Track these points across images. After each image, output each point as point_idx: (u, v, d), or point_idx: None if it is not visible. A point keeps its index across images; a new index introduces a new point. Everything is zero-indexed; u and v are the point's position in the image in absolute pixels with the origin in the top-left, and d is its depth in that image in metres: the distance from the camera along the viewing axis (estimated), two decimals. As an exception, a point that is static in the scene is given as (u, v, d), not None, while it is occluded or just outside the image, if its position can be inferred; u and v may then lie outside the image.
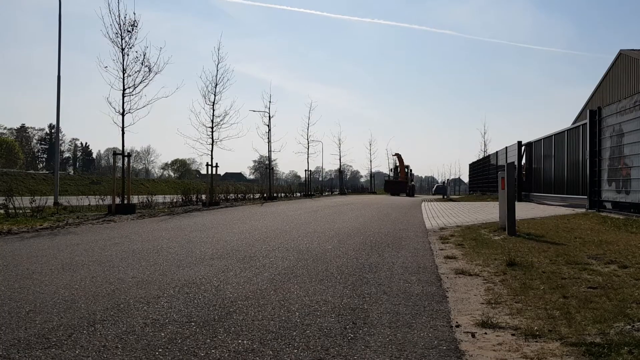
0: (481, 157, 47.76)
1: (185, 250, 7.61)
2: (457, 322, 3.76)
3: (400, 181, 53.56)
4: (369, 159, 67.28)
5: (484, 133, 55.05)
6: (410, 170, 55.98)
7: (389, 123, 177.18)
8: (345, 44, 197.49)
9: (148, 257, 6.98)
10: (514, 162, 10.95)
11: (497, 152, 33.68)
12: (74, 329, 3.58)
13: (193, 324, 3.72)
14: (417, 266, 6.24)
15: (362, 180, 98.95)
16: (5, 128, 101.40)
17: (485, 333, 3.50)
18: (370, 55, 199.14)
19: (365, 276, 5.57)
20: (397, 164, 55.31)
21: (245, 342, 3.31)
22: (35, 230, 11.10)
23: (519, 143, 26.04)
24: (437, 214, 16.47)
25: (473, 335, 3.43)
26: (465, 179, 65.31)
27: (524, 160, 25.71)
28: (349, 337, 3.40)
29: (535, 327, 3.51)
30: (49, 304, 4.31)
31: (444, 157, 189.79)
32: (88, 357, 3.03)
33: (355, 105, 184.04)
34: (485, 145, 52.94)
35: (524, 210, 16.01)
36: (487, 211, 16.62)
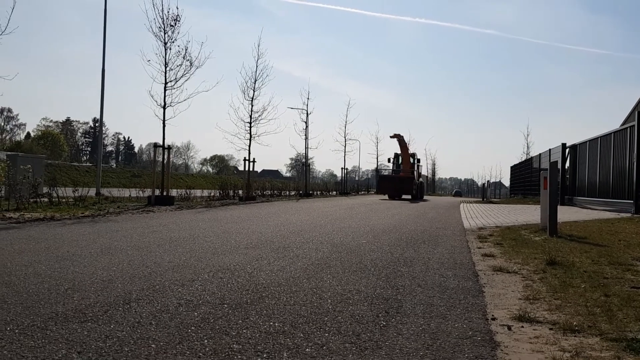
0: (523, 159, 46.75)
1: (221, 240, 7.68)
2: (493, 316, 3.66)
3: (402, 177, 32.51)
4: None
5: (527, 135, 53.79)
6: (418, 161, 36.19)
7: (427, 123, 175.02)
8: (384, 42, 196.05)
9: (184, 244, 7.07)
10: (557, 162, 10.65)
11: (540, 154, 32.90)
12: (109, 306, 3.65)
13: (226, 305, 3.74)
14: (454, 262, 6.13)
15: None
16: (51, 121, 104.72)
17: (522, 326, 3.40)
18: (410, 53, 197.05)
19: (399, 269, 5.51)
20: (400, 152, 34.66)
21: (276, 324, 3.30)
22: (77, 217, 11.39)
23: (563, 145, 25.36)
24: (476, 214, 16.19)
25: (509, 328, 3.34)
26: (506, 182, 64.02)
27: (567, 163, 25.04)
28: (381, 325, 3.36)
29: (575, 323, 3.38)
30: (86, 283, 4.40)
31: (485, 159, 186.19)
32: (122, 331, 3.07)
33: (394, 104, 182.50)
34: (527, 147, 51.65)
35: (567, 214, 15.58)
36: (528, 213, 16.24)
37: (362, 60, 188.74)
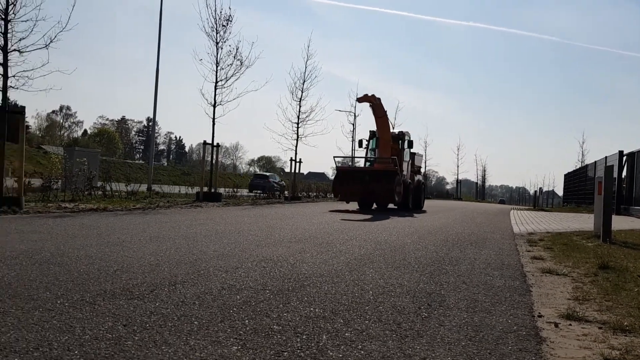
0: (578, 167, 45.27)
1: (265, 234, 7.75)
2: (539, 313, 3.56)
3: (375, 171, 18.24)
4: (455, 163, 61.77)
5: (582, 142, 52.00)
6: (410, 145, 20.37)
7: (478, 129, 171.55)
8: (434, 46, 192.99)
9: (230, 236, 7.18)
10: (612, 166, 10.27)
11: (595, 162, 31.78)
12: (155, 287, 3.74)
13: (267, 291, 3.77)
14: (501, 263, 5.98)
15: (448, 187, 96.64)
16: (107, 119, 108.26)
17: (570, 324, 3.28)
18: (461, 58, 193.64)
19: (444, 267, 5.42)
20: (376, 129, 19.42)
21: (317, 310, 3.30)
22: (128, 209, 11.74)
23: (620, 153, 24.41)
24: (526, 220, 15.78)
25: (556, 325, 3.23)
26: (559, 191, 62.06)
27: (624, 172, 24.09)
28: (423, 316, 3.31)
29: (626, 323, 3.24)
30: (134, 266, 4.52)
31: (537, 167, 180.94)
32: (167, 309, 3.14)
33: (444, 109, 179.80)
34: (582, 155, 49.99)
35: (622, 223, 14.98)
36: (581, 221, 15.72)
37: (411, 64, 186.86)
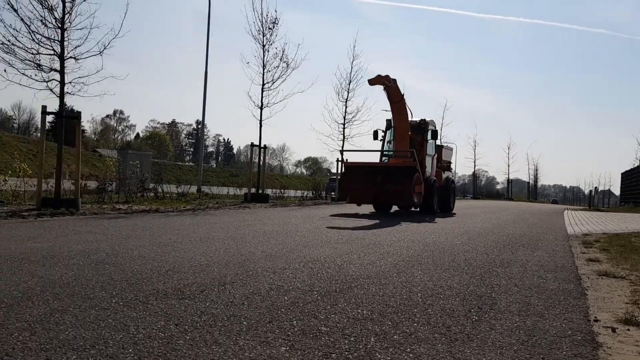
0: (636, 165, 43.44)
1: (312, 234, 7.78)
2: (595, 317, 3.43)
3: (392, 167, 15.53)
4: (506, 163, 59.97)
5: (640, 140, 49.91)
6: (434, 136, 16.99)
7: (530, 127, 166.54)
8: (483, 43, 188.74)
9: (277, 237, 7.24)
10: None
11: (654, 160, 30.43)
12: (205, 287, 3.81)
13: (315, 292, 3.78)
14: (555, 265, 5.81)
15: (498, 187, 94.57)
16: (158, 122, 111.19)
17: (628, 329, 3.15)
18: (511, 55, 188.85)
19: (495, 270, 5.30)
20: (391, 116, 16.30)
21: (364, 312, 3.29)
22: (179, 210, 12.02)
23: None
24: (581, 221, 15.28)
25: (613, 330, 3.11)
26: (616, 190, 59.73)
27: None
28: (473, 319, 3.24)
29: (692, 330, 3.09)
30: (185, 266, 4.62)
31: (592, 166, 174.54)
32: (217, 309, 3.20)
33: (493, 107, 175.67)
34: (641, 153, 48.01)
35: (684, 223, 14.30)
36: None
37: (459, 62, 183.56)
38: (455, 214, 16.27)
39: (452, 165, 21.11)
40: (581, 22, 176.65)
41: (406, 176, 14.45)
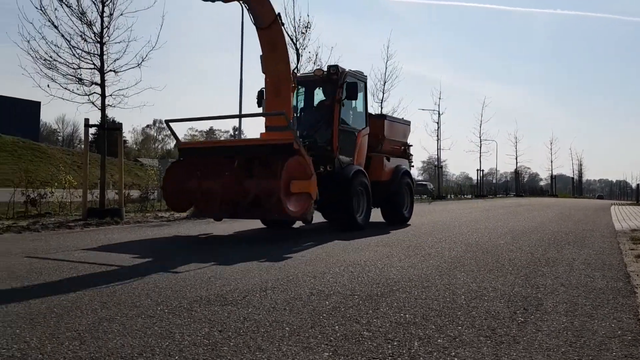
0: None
1: (349, 237, 7.76)
2: (648, 317, 3.31)
3: (251, 146, 8.28)
4: (549, 159, 58.17)
5: (689, 131, 47.98)
6: (352, 97, 9.17)
7: (571, 121, 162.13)
8: (519, 38, 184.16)
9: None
10: None
11: None
12: (247, 293, 3.85)
13: (356, 296, 3.77)
14: (602, 263, 5.63)
15: (542, 183, 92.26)
16: (197, 130, 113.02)
17: (684, 330, 3.03)
18: (549, 49, 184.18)
19: (540, 269, 5.18)
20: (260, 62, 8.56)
21: (407, 315, 3.26)
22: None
23: None
24: (628, 216, 14.78)
25: (668, 331, 2.99)
26: (665, 184, 57.50)
27: None
28: (519, 321, 3.18)
29: None
30: (227, 272, 4.68)
31: (638, 159, 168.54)
32: (259, 314, 3.22)
33: (534, 103, 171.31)
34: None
35: None
36: (692, 216, 14.51)
37: (496, 59, 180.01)
38: (409, 224, 10.50)
39: (418, 152, 15.52)
40: (619, 12, 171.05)
41: (273, 163, 7.31)
